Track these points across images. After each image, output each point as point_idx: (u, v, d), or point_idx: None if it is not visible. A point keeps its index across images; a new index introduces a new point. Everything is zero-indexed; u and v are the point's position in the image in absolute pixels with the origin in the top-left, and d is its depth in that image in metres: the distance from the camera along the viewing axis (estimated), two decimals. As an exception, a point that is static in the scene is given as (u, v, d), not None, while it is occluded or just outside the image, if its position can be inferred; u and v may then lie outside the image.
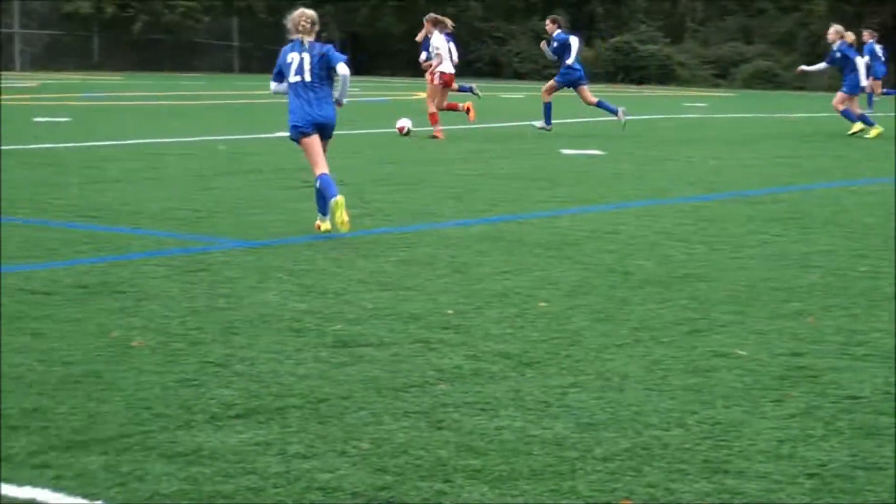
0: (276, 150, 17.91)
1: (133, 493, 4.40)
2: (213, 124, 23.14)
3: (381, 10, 61.00)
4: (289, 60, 10.31)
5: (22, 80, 42.51)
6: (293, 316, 7.23)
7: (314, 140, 10.25)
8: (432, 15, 22.08)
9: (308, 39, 10.30)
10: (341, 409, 5.48)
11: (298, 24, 10.30)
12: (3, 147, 16.77)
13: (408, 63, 63.00)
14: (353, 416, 5.37)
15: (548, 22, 23.72)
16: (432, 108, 21.04)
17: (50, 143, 17.89)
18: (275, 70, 10.50)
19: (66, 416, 5.19)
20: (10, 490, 4.34)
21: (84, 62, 55.65)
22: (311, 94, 10.23)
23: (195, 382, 5.78)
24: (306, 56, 10.24)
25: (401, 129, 20.83)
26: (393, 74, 60.75)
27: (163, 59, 57.04)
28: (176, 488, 4.46)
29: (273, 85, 10.62)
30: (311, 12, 10.37)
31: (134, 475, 4.56)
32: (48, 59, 54.79)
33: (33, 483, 4.41)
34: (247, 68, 59.34)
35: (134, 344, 6.43)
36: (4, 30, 54.35)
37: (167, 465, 4.69)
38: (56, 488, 4.38)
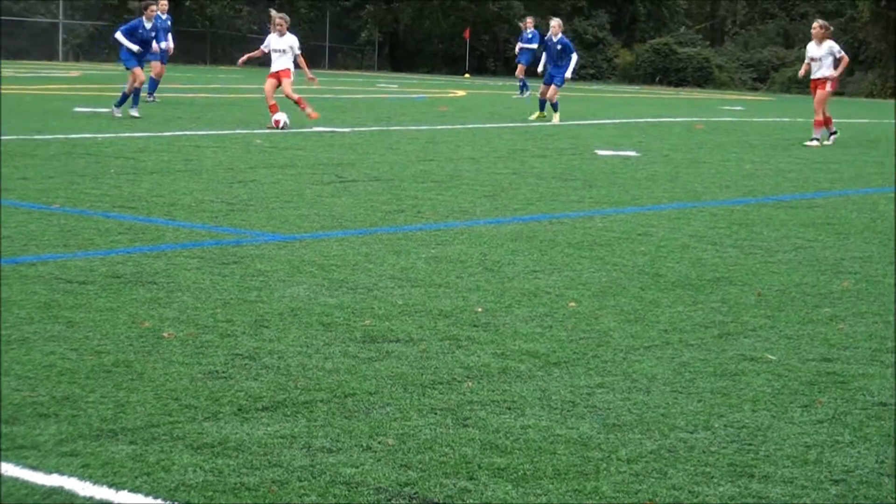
0: (312, 146, 17.96)
1: (159, 483, 4.42)
2: (250, 118, 23.21)
3: (423, 9, 60.99)
4: None
5: (64, 70, 42.80)
6: (323, 310, 7.26)
7: None
8: None
9: None
10: (368, 404, 5.50)
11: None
12: (43, 136, 16.89)
13: (445, 61, 63.12)
14: (380, 412, 5.39)
15: (555, 23, 25.11)
16: None
17: (89, 134, 18.00)
18: None
19: (95, 405, 5.22)
20: (37, 477, 4.37)
21: (115, 56, 55.94)
22: None
23: (224, 374, 5.81)
24: None
25: (276, 123, 20.75)
26: (430, 72, 60.79)
27: (203, 52, 57.30)
28: (201, 479, 4.48)
29: None
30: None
31: (160, 465, 4.59)
32: (91, 49, 55.13)
33: (61, 471, 4.45)
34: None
35: (164, 335, 6.46)
36: (49, 19, 54.72)
37: (193, 455, 4.71)
38: (83, 477, 4.41)
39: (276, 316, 7.06)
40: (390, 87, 42.02)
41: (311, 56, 60.91)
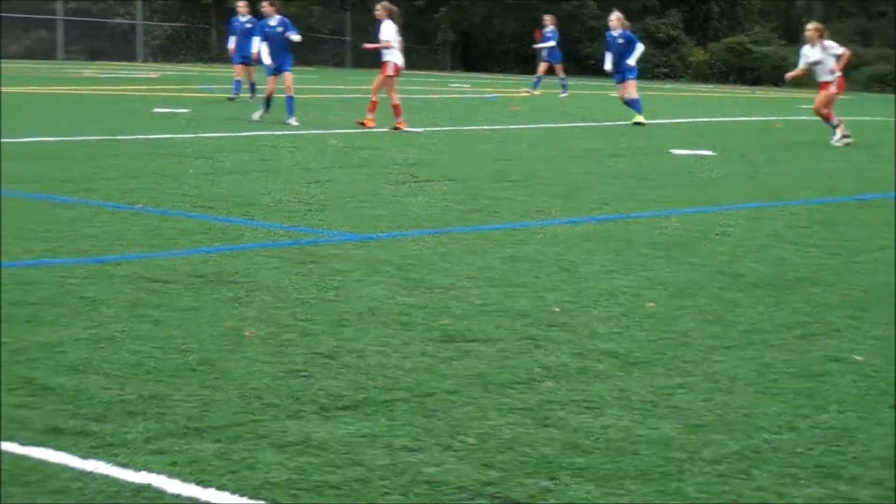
0: (387, 145, 18.04)
1: (244, 480, 4.47)
2: (325, 118, 23.34)
3: (495, 9, 60.97)
4: None
5: (144, 71, 43.29)
6: (401, 310, 7.29)
7: None
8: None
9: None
10: (448, 403, 5.52)
11: None
12: (125, 137, 17.10)
13: (517, 60, 63.02)
14: (460, 411, 5.40)
15: (614, 17, 24.62)
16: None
17: (169, 134, 18.20)
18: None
19: (181, 403, 5.29)
20: (127, 475, 4.43)
21: (203, 54, 56.53)
22: None
23: (304, 373, 5.86)
24: None
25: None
26: (502, 71, 60.74)
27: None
28: (285, 477, 4.52)
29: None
30: None
31: (245, 463, 4.63)
32: (169, 50, 55.73)
33: (149, 468, 4.50)
34: (359, 63, 59.75)
35: (246, 334, 6.53)
36: (128, 21, 55.38)
37: (277, 454, 4.75)
38: (171, 474, 4.46)
39: (355, 315, 7.10)
40: (463, 86, 42.07)
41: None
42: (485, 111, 28.06)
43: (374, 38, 21.53)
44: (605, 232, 10.53)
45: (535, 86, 37.01)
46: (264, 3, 22.23)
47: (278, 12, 22.07)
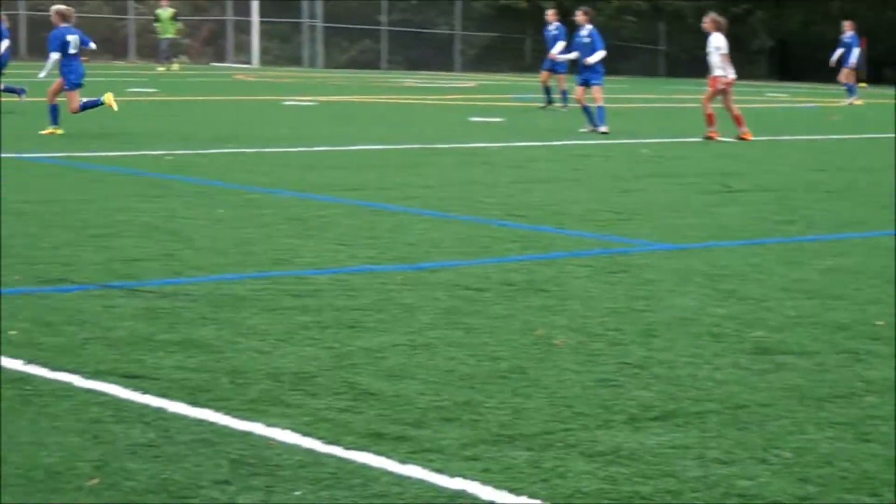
0: (699, 155, 17.85)
1: (555, 489, 4.52)
2: (637, 127, 23.28)
3: (813, 16, 59.27)
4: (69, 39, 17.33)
5: (461, 81, 44.28)
6: (712, 321, 7.21)
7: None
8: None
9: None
10: (761, 416, 5.43)
11: (71, 15, 17.91)
12: (442, 145, 17.56)
13: (838, 69, 61.02)
14: (774, 425, 5.32)
15: (580, 14, 22.37)
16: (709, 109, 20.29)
17: (483, 143, 18.57)
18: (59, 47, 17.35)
19: (493, 411, 5.39)
20: (442, 480, 4.55)
21: (517, 64, 57.37)
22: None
23: (614, 383, 5.88)
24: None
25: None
26: (822, 80, 59.03)
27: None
28: (595, 487, 4.55)
29: (57, 55, 17.43)
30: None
31: (556, 472, 4.69)
32: (485, 60, 56.78)
33: (463, 475, 4.61)
34: (672, 72, 59.30)
35: (556, 342, 6.60)
36: (447, 31, 56.76)
37: (587, 463, 4.79)
38: (485, 481, 4.55)
39: (665, 325, 7.07)
40: (779, 96, 41.13)
41: (696, 64, 60.51)
42: (802, 121, 27.37)
43: (704, 51, 21.22)
44: (932, 244, 10.11)
45: (852, 93, 35.74)
46: (578, 13, 22.36)
47: (590, 22, 22.13)
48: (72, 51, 17.67)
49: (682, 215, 11.49)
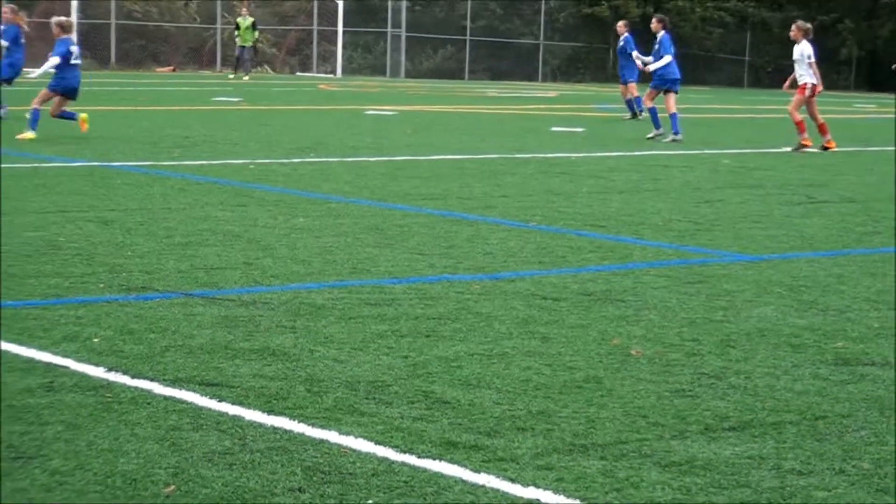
0: (782, 166, 17.68)
1: (628, 499, 4.52)
2: (718, 138, 23.11)
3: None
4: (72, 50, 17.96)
5: (543, 91, 44.25)
6: (791, 331, 7.15)
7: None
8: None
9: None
10: (840, 427, 5.38)
11: (71, 27, 18.65)
12: (522, 155, 17.58)
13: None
14: (853, 435, 5.27)
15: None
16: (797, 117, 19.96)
17: (564, 153, 18.55)
18: (64, 54, 17.70)
19: (567, 420, 5.39)
20: (515, 489, 4.55)
21: (599, 74, 57.23)
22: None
23: (690, 393, 5.85)
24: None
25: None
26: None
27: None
28: (670, 497, 4.54)
29: (58, 61, 17.76)
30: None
31: (630, 482, 4.68)
32: (568, 70, 56.70)
33: (537, 484, 4.62)
34: (756, 83, 58.79)
35: (632, 352, 6.58)
36: (531, 41, 56.78)
37: (661, 473, 4.78)
38: (557, 490, 4.56)
39: (743, 336, 7.03)
40: (867, 107, 40.60)
41: (780, 75, 59.85)
42: (889, 132, 26.98)
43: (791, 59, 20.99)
44: None
45: None
46: (653, 21, 22.44)
47: (664, 29, 22.24)
48: (74, 61, 18.15)
49: (763, 226, 11.40)
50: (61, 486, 4.44)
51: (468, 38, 56.07)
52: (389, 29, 54.88)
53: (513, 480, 4.64)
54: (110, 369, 5.90)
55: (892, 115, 32.50)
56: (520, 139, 20.89)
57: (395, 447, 4.95)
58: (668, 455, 4.98)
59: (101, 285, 7.81)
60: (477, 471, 4.72)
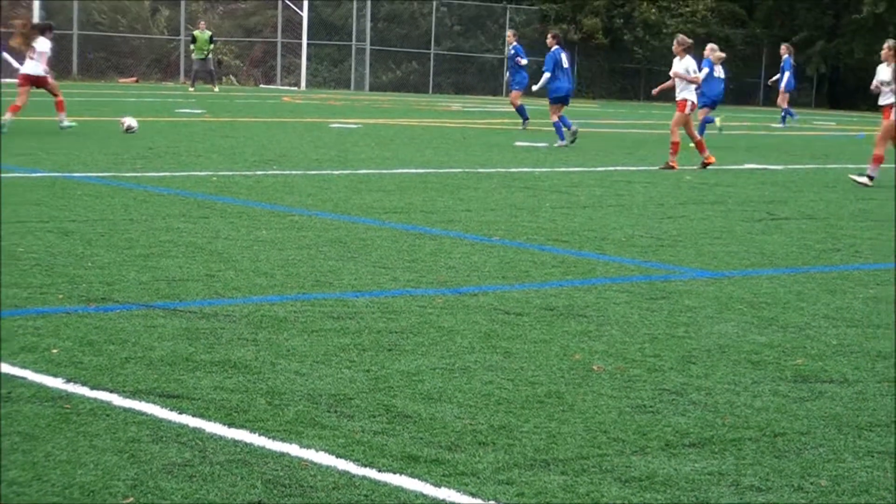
0: (742, 182, 17.78)
1: (588, 512, 4.53)
2: (680, 154, 23.20)
3: (879, 44, 58.82)
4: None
5: (507, 105, 44.30)
6: (752, 348, 7.19)
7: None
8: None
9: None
10: (799, 444, 5.41)
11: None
12: (485, 169, 17.59)
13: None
14: (812, 452, 5.29)
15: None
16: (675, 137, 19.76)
17: (527, 167, 18.58)
18: None
19: (529, 435, 5.40)
20: (471, 502, 4.56)
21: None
22: None
23: (651, 409, 5.87)
24: None
25: (129, 129, 21.29)
26: (870, 109, 58.64)
27: (638, 87, 57.94)
28: (629, 512, 4.55)
29: None
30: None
31: (590, 497, 4.69)
32: (532, 85, 56.99)
33: (497, 498, 4.61)
34: (730, 101, 59.08)
35: (594, 368, 6.60)
36: (496, 56, 56.92)
37: (622, 489, 4.79)
38: (516, 505, 4.58)
39: (704, 352, 7.06)
40: (828, 124, 40.92)
41: (745, 92, 60.27)
42: (850, 150, 27.21)
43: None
44: (974, 273, 10.03)
45: (791, 117, 35.62)
46: (549, 36, 24.05)
47: (558, 44, 24.99)
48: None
49: (724, 242, 11.46)
50: (18, 496, 4.41)
51: (432, 52, 56.19)
52: (354, 42, 54.91)
53: (473, 495, 4.63)
54: (69, 380, 5.86)
55: (852, 133, 32.76)
56: (483, 154, 20.92)
57: (356, 461, 4.94)
58: (629, 471, 4.99)
59: (61, 296, 7.76)
60: (438, 485, 4.71)
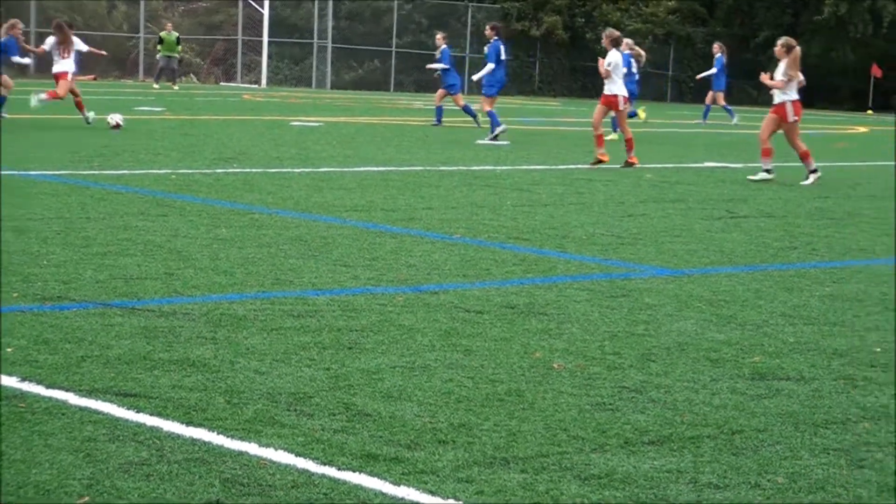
0: (703, 181, 17.85)
1: (547, 510, 4.52)
2: (641, 152, 23.28)
3: (837, 43, 59.22)
4: None
5: (469, 103, 44.30)
6: (710, 346, 7.22)
7: None
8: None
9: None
10: (756, 441, 5.43)
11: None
12: (447, 167, 17.58)
13: (846, 97, 61.12)
14: (769, 450, 5.32)
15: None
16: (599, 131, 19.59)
17: (489, 165, 18.59)
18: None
19: (488, 433, 5.39)
20: (435, 502, 4.54)
21: (526, 87, 57.51)
22: None
23: (611, 407, 5.88)
24: None
25: (116, 125, 22.12)
26: (828, 108, 59.08)
27: (599, 86, 58.09)
28: (588, 509, 4.55)
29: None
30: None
31: (549, 495, 4.69)
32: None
33: (457, 496, 4.61)
34: (679, 97, 59.41)
35: (554, 366, 6.60)
36: (456, 53, 56.94)
37: (581, 486, 4.79)
38: (477, 503, 4.56)
39: (663, 350, 7.08)
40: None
41: (706, 90, 60.48)
42: (809, 148, 27.34)
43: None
44: (933, 271, 10.12)
45: (706, 116, 36.44)
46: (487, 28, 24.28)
47: (497, 37, 25.22)
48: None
49: (684, 240, 11.50)
50: (-27, 498, 4.36)
51: (394, 49, 56.13)
52: (315, 40, 54.77)
53: (433, 493, 4.63)
54: (24, 379, 5.81)
55: (811, 132, 32.94)
56: (444, 152, 20.91)
57: (316, 459, 4.92)
58: (588, 468, 4.99)
59: (15, 294, 7.70)
60: (397, 483, 4.70)
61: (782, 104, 17.87)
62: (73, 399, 5.55)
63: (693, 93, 56.28)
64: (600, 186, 16.24)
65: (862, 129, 35.65)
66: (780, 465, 5.13)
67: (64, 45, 22.47)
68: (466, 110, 28.16)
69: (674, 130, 32.47)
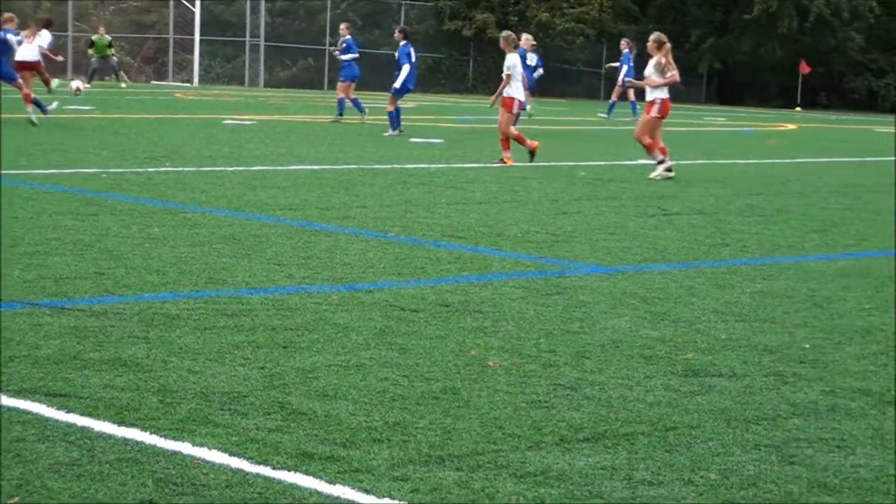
0: (636, 178, 17.95)
1: (483, 508, 4.52)
2: (575, 150, 23.39)
3: (766, 40, 59.83)
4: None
5: (402, 101, 44.31)
6: (644, 343, 7.26)
7: None
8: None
9: None
10: (690, 438, 5.47)
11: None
12: (380, 166, 17.55)
13: (775, 94, 61.80)
14: (702, 446, 5.35)
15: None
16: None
17: (423, 164, 18.58)
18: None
19: (424, 431, 5.39)
20: (370, 500, 4.54)
21: (459, 85, 57.54)
22: None
23: (546, 404, 5.89)
24: None
25: (77, 90, 23.61)
26: (758, 105, 59.70)
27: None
28: (524, 507, 4.56)
29: None
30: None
31: (485, 493, 4.69)
32: (428, 81, 57.00)
33: (392, 495, 4.60)
34: (611, 95, 59.65)
35: (489, 364, 6.61)
36: (388, 51, 56.88)
37: (517, 484, 4.80)
38: (412, 502, 4.54)
39: (598, 347, 7.11)
40: (717, 119, 41.53)
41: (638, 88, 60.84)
42: (738, 145, 27.63)
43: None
44: (864, 269, 10.25)
45: (611, 112, 36.91)
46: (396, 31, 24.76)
47: (405, 39, 25.63)
48: None
49: (617, 238, 11.55)
50: None
51: (327, 48, 55.93)
52: (248, 38, 54.47)
53: (368, 492, 4.61)
54: (-46, 381, 5.72)
55: (742, 129, 33.27)
56: (378, 150, 20.88)
57: (250, 458, 4.89)
58: (524, 466, 5.00)
59: (-54, 294, 7.59)
60: (332, 482, 4.68)
61: (654, 101, 18.07)
62: (1, 399, 5.47)
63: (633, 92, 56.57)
64: (535, 184, 16.29)
65: (791, 126, 36.02)
66: (713, 461, 5.16)
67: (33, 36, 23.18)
68: (355, 103, 28.62)
69: (607, 128, 32.63)
